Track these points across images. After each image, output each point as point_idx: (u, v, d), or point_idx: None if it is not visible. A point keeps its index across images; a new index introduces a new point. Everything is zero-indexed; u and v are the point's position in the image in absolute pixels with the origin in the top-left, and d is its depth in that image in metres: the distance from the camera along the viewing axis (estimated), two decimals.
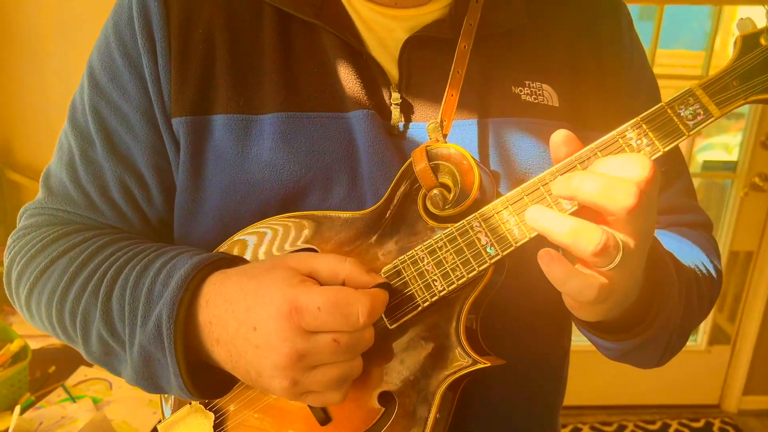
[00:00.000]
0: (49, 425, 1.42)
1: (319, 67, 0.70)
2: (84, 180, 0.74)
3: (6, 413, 1.45)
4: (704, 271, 0.76)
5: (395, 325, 0.63)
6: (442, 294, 0.61)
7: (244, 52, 0.70)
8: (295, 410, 0.67)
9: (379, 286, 0.60)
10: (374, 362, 0.63)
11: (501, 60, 0.73)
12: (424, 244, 0.62)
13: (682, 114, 0.57)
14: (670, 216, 0.82)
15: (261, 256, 0.68)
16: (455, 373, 0.62)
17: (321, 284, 0.60)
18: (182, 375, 0.61)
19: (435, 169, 0.64)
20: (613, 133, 0.57)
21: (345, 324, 0.56)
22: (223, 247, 0.70)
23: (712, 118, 0.57)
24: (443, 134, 0.68)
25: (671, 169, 0.82)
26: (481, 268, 0.60)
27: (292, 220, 0.68)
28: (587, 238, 0.51)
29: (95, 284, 0.66)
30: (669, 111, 0.57)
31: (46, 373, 1.62)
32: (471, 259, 0.60)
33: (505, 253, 0.59)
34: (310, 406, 0.66)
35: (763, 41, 0.57)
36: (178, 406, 0.75)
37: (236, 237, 0.70)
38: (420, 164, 0.64)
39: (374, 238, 0.65)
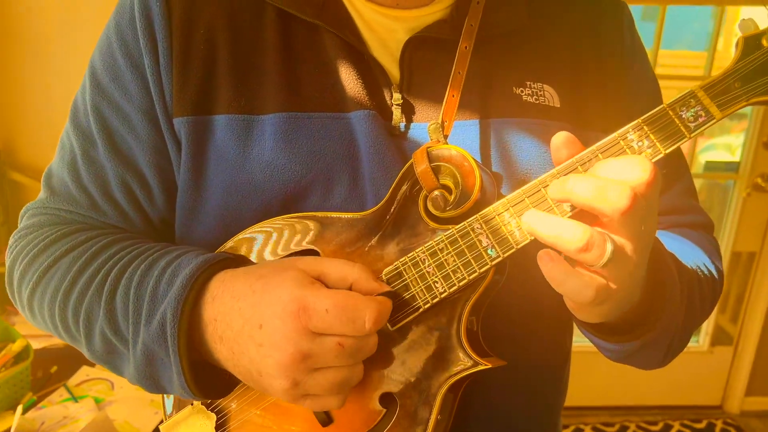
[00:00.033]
0: (51, 425, 1.42)
1: (321, 68, 0.70)
2: (86, 180, 0.74)
3: (8, 413, 1.45)
4: (706, 272, 0.76)
5: (396, 327, 0.63)
6: (443, 296, 0.61)
7: (246, 52, 0.70)
8: (297, 411, 0.67)
9: (385, 294, 0.61)
10: (376, 363, 0.63)
11: (502, 61, 0.73)
12: (425, 245, 0.62)
13: (683, 116, 0.56)
14: (671, 217, 0.82)
15: (262, 256, 0.68)
16: (456, 374, 0.62)
17: (329, 287, 0.60)
18: (185, 374, 0.61)
19: (436, 171, 0.64)
20: (615, 134, 0.57)
21: (351, 328, 0.56)
22: (224, 248, 0.70)
23: (714, 120, 0.57)
24: (444, 135, 0.68)
25: (672, 170, 0.82)
26: (482, 270, 0.60)
27: (293, 220, 0.68)
28: (570, 235, 0.51)
29: (99, 283, 0.67)
30: (670, 113, 0.57)
31: (48, 372, 1.62)
32: (472, 261, 0.60)
33: (506, 254, 0.59)
34: None
35: (765, 42, 0.57)
36: (179, 406, 0.75)
37: (238, 237, 0.70)
38: (421, 166, 0.64)
39: (375, 239, 0.65)
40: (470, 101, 0.71)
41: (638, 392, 2.96)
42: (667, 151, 0.56)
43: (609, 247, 0.51)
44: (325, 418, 0.65)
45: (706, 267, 0.77)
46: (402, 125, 0.71)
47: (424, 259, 0.62)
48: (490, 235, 0.59)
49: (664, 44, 2.56)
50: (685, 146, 0.58)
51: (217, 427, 0.71)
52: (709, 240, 0.83)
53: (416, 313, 0.62)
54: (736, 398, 2.98)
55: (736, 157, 2.81)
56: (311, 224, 0.67)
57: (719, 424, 2.90)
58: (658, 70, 2.57)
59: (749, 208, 2.73)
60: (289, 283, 0.58)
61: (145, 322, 0.63)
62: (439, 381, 0.62)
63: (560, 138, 0.57)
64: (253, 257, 0.69)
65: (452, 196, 0.63)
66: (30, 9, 2.08)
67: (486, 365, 0.61)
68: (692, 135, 0.57)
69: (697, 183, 2.89)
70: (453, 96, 0.69)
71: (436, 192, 0.63)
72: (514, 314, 0.72)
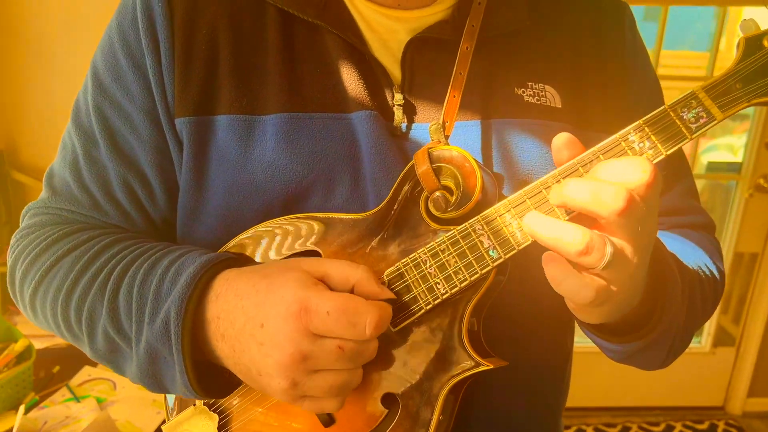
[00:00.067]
0: (53, 425, 1.42)
1: (322, 68, 0.71)
2: (88, 180, 0.74)
3: (10, 413, 1.45)
4: (707, 273, 0.76)
5: (398, 328, 0.63)
6: (444, 297, 0.62)
7: (248, 52, 0.70)
8: (300, 411, 0.67)
9: (387, 300, 0.61)
10: (377, 364, 0.63)
11: (503, 61, 0.73)
12: (427, 246, 0.62)
13: (684, 117, 0.56)
14: (672, 217, 0.82)
15: (264, 256, 0.68)
16: (458, 375, 0.62)
17: (331, 289, 0.60)
18: (188, 373, 0.62)
19: (437, 172, 0.64)
20: (616, 136, 0.57)
21: (352, 332, 0.56)
22: (227, 247, 0.71)
23: (715, 121, 0.57)
24: (445, 135, 0.68)
25: (673, 170, 0.82)
26: (483, 271, 0.60)
27: (295, 221, 0.68)
28: (570, 238, 0.52)
29: (102, 282, 0.67)
30: (672, 114, 0.56)
31: (51, 372, 1.62)
32: (474, 262, 0.60)
33: (507, 256, 0.59)
34: None
35: (766, 43, 0.57)
36: (182, 407, 0.75)
37: (239, 237, 0.70)
38: (422, 167, 0.64)
39: (377, 240, 0.65)
40: (471, 102, 0.71)
41: (640, 393, 2.96)
42: (669, 152, 0.56)
43: (609, 250, 0.51)
44: (328, 419, 0.65)
45: (708, 267, 0.77)
46: (403, 126, 0.71)
47: (425, 260, 0.62)
48: (491, 236, 0.59)
49: (667, 45, 2.56)
50: (687, 147, 0.58)
51: (219, 428, 0.71)
52: (711, 240, 0.83)
53: (418, 314, 0.62)
54: (738, 399, 2.98)
55: (738, 158, 2.81)
56: (313, 225, 0.67)
57: (721, 425, 2.89)
58: (661, 71, 2.58)
59: (751, 208, 2.73)
60: (292, 284, 0.58)
61: (148, 321, 0.63)
62: (440, 382, 0.62)
63: (561, 139, 0.57)
64: (255, 257, 0.69)
65: (453, 197, 0.63)
66: (32, 9, 2.08)
67: (488, 366, 0.61)
68: (693, 136, 0.56)
69: (700, 184, 2.91)
70: (454, 96, 0.69)
71: (437, 193, 0.63)
72: (515, 314, 0.72)
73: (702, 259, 0.77)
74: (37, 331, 1.72)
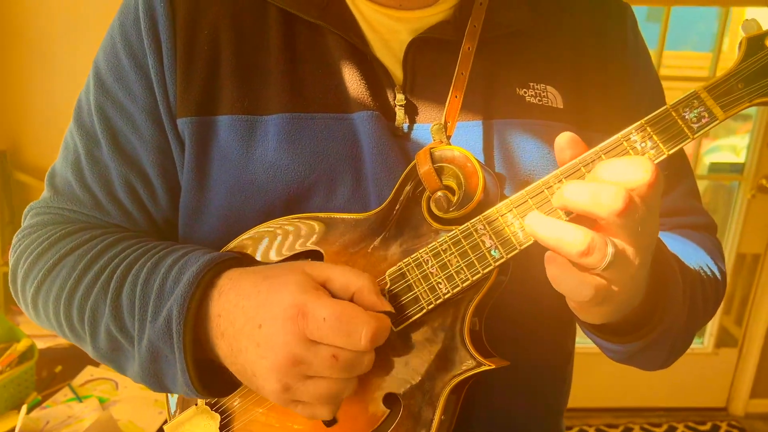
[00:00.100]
0: (55, 424, 1.43)
1: (324, 68, 0.71)
2: (89, 179, 0.74)
3: (13, 412, 1.46)
4: (709, 273, 0.76)
5: (400, 328, 0.63)
6: (446, 297, 0.62)
7: (249, 53, 0.71)
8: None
9: (385, 313, 0.60)
10: (379, 364, 0.63)
11: (505, 62, 0.73)
12: (429, 246, 0.62)
13: (686, 117, 0.56)
14: (674, 218, 0.82)
15: (266, 257, 0.68)
16: (460, 375, 0.62)
17: (333, 294, 0.60)
18: (189, 371, 0.62)
19: (439, 172, 0.64)
20: (618, 135, 0.57)
21: (347, 341, 0.56)
22: (229, 247, 0.71)
23: (717, 121, 0.56)
24: (447, 135, 0.68)
25: (675, 171, 0.82)
26: (485, 271, 0.60)
27: (296, 221, 0.68)
28: (571, 239, 0.51)
29: (105, 280, 0.67)
30: (673, 114, 0.56)
31: (53, 372, 1.62)
32: (475, 261, 0.60)
33: (509, 256, 0.59)
34: None
35: None
36: (184, 406, 0.75)
37: (241, 238, 0.70)
38: (424, 167, 0.64)
39: (378, 240, 0.65)
40: (473, 102, 0.71)
41: (642, 394, 2.96)
42: (671, 152, 0.56)
43: (610, 251, 0.51)
44: (329, 419, 0.65)
45: (709, 268, 0.77)
46: (405, 126, 0.71)
47: (427, 260, 0.62)
48: (493, 236, 0.59)
49: (669, 45, 2.56)
50: (689, 147, 0.58)
51: (221, 427, 0.71)
52: (712, 241, 0.83)
53: (420, 314, 0.62)
54: (740, 400, 2.98)
55: (741, 159, 2.81)
56: (314, 225, 0.67)
57: (724, 426, 2.89)
58: (663, 71, 2.57)
59: (754, 209, 2.72)
60: (292, 287, 0.58)
61: (151, 319, 0.63)
62: (442, 381, 0.62)
63: (564, 138, 0.57)
64: (257, 257, 0.69)
65: (455, 197, 0.63)
66: (34, 10, 2.09)
67: (489, 366, 0.61)
68: (696, 136, 0.56)
69: (702, 184, 2.91)
70: (456, 97, 0.69)
71: (439, 193, 0.63)
72: (515, 315, 0.72)
73: (703, 260, 0.77)
74: (39, 330, 1.72)
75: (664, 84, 0.84)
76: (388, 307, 0.60)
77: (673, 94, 0.60)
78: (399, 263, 0.63)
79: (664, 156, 0.56)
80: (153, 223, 0.77)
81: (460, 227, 0.61)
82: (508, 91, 0.72)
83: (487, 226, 0.60)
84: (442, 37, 0.71)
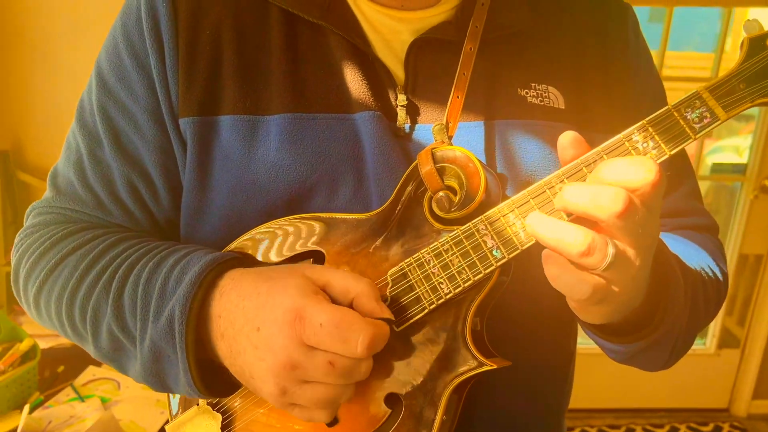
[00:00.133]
0: (57, 424, 1.43)
1: (326, 69, 0.71)
2: (92, 179, 0.74)
3: (15, 412, 1.46)
4: (710, 274, 0.76)
5: (402, 328, 0.63)
6: (448, 297, 0.62)
7: (251, 53, 0.71)
8: None
9: (385, 320, 0.60)
10: (381, 364, 0.63)
11: (507, 62, 0.73)
12: (430, 246, 0.62)
13: (688, 117, 0.56)
14: (675, 219, 0.82)
15: (268, 257, 0.68)
16: (461, 375, 0.62)
17: (333, 299, 0.60)
18: (191, 371, 0.62)
19: (441, 172, 0.64)
20: (620, 135, 0.57)
21: (343, 348, 0.56)
22: (231, 248, 0.71)
23: (719, 121, 0.57)
24: (449, 136, 0.68)
25: (677, 172, 0.82)
26: (487, 271, 0.60)
27: (298, 221, 0.68)
28: (572, 239, 0.52)
29: (107, 280, 0.67)
30: (675, 114, 0.57)
31: (55, 372, 1.63)
32: (477, 261, 0.60)
33: (511, 255, 0.59)
34: None
35: None
36: (185, 406, 0.75)
37: (243, 238, 0.70)
38: (426, 167, 0.64)
39: (380, 240, 0.65)
40: (475, 103, 0.71)
41: (644, 395, 2.95)
42: (673, 152, 0.56)
43: (611, 251, 0.51)
44: (326, 422, 0.65)
45: (711, 269, 0.77)
46: (407, 126, 0.71)
47: (429, 260, 0.62)
48: (494, 236, 0.59)
49: (672, 46, 2.55)
50: (692, 148, 0.58)
51: (222, 428, 0.71)
52: (714, 242, 0.83)
53: (421, 314, 0.63)
54: (743, 401, 2.97)
55: (743, 159, 2.80)
56: (316, 225, 0.67)
57: (726, 427, 2.89)
58: (666, 72, 2.57)
59: (756, 210, 2.72)
60: (292, 290, 0.58)
61: (153, 319, 0.63)
62: (444, 382, 0.62)
63: (567, 137, 0.57)
64: (258, 258, 0.69)
65: (457, 197, 0.63)
66: (37, 10, 2.09)
67: (491, 366, 0.61)
68: (697, 136, 0.57)
69: (704, 185, 2.90)
70: (458, 97, 0.69)
71: (440, 193, 0.63)
72: (516, 315, 0.72)
73: (705, 261, 0.77)
74: (42, 330, 1.73)
75: (667, 85, 0.84)
76: (387, 314, 0.60)
77: (675, 94, 0.60)
78: (401, 263, 0.63)
79: (666, 156, 0.56)
80: (155, 223, 0.77)
81: (462, 227, 0.61)
82: (510, 91, 0.72)
83: (488, 226, 0.60)
84: (443, 38, 0.71)
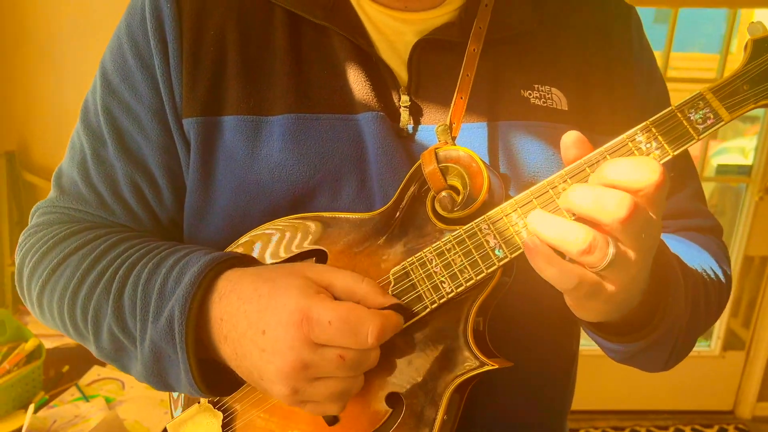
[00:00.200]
0: (62, 424, 1.44)
1: (329, 70, 0.71)
2: (95, 179, 0.75)
3: (20, 412, 1.46)
4: (712, 276, 0.76)
5: (403, 327, 0.63)
6: (450, 296, 0.62)
7: (255, 53, 0.71)
8: (303, 410, 0.67)
9: (393, 307, 0.61)
10: (382, 363, 0.63)
11: (510, 63, 0.73)
12: (433, 246, 0.62)
13: (692, 118, 0.56)
14: (678, 220, 0.82)
15: (271, 255, 0.69)
16: (463, 374, 0.62)
17: (336, 298, 0.60)
18: (192, 371, 0.62)
19: (444, 171, 0.64)
20: (623, 136, 0.57)
21: (353, 342, 0.56)
22: (233, 247, 0.71)
23: (722, 122, 0.57)
24: (452, 137, 0.68)
25: (680, 173, 0.82)
26: (489, 270, 0.60)
27: (301, 221, 0.68)
28: (573, 237, 0.52)
29: (107, 281, 0.67)
30: (679, 115, 0.57)
31: (60, 372, 1.63)
32: (479, 261, 0.60)
33: (513, 255, 0.59)
34: None
35: None
36: (188, 404, 0.76)
37: (246, 237, 0.70)
38: (429, 166, 0.64)
39: (383, 239, 0.65)
40: (478, 104, 0.71)
41: (649, 396, 2.95)
42: (676, 152, 0.56)
43: (611, 251, 0.52)
44: (331, 418, 0.65)
45: (713, 270, 0.77)
46: (410, 127, 0.71)
47: (431, 259, 0.62)
48: (497, 236, 0.60)
49: (677, 47, 2.55)
50: (697, 149, 0.59)
51: (223, 426, 0.71)
52: (717, 244, 0.83)
53: (423, 313, 0.63)
54: (748, 403, 2.96)
55: (749, 161, 2.79)
56: (319, 224, 0.67)
57: (731, 430, 2.88)
58: (671, 73, 2.57)
59: (761, 212, 2.71)
60: (294, 292, 0.58)
61: (152, 320, 0.63)
62: (445, 381, 0.62)
63: (571, 137, 0.57)
64: (261, 257, 0.69)
65: (460, 197, 0.63)
66: (43, 11, 2.10)
67: (492, 365, 0.61)
68: (701, 137, 0.56)
69: (709, 186, 2.89)
70: (461, 98, 0.69)
71: (443, 193, 0.64)
72: (517, 315, 0.71)
73: (707, 262, 0.77)
74: (47, 330, 1.73)
75: (672, 86, 0.84)
76: (394, 300, 0.61)
77: (680, 95, 0.59)
78: (403, 262, 0.63)
79: (669, 157, 0.56)
80: (158, 223, 0.77)
81: (465, 227, 0.61)
82: (513, 92, 0.72)
83: (491, 225, 0.60)
84: (447, 39, 0.71)
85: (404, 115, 0.71)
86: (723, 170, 2.86)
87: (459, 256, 0.61)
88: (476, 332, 0.63)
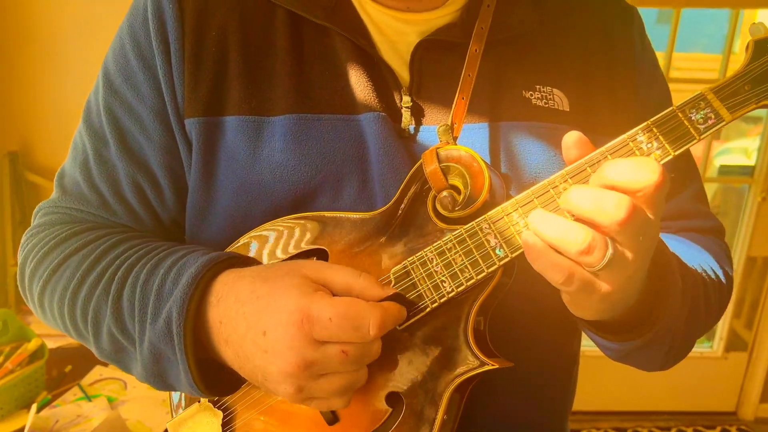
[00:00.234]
0: (64, 423, 1.44)
1: (331, 70, 0.71)
2: (97, 179, 0.75)
3: (23, 411, 1.47)
4: (712, 276, 0.76)
5: (404, 326, 0.63)
6: (450, 295, 0.62)
7: (257, 54, 0.71)
8: (303, 410, 0.67)
9: (392, 297, 0.61)
10: (382, 363, 0.63)
11: (512, 64, 0.73)
12: (434, 245, 0.62)
13: (693, 118, 0.56)
14: (679, 221, 0.82)
15: (271, 255, 0.69)
16: (463, 374, 0.62)
17: (334, 296, 0.60)
18: (192, 372, 0.62)
19: (445, 171, 0.64)
20: (624, 136, 0.57)
21: (355, 336, 0.57)
22: (234, 247, 0.71)
23: (723, 123, 0.57)
24: (453, 137, 0.68)
25: (681, 174, 0.82)
26: (489, 270, 0.60)
27: (302, 220, 0.68)
28: (572, 237, 0.52)
29: (106, 282, 0.67)
30: (680, 115, 0.57)
31: (63, 372, 1.64)
32: (480, 260, 0.60)
33: (514, 255, 0.59)
34: None
35: None
36: (188, 404, 0.76)
37: (247, 236, 0.70)
38: (430, 166, 0.64)
39: (384, 239, 0.65)
40: (479, 104, 0.71)
41: (650, 397, 2.94)
42: (677, 152, 0.56)
43: (609, 251, 0.52)
44: (332, 417, 0.66)
45: (713, 271, 0.77)
46: (411, 128, 0.71)
47: (431, 259, 0.62)
48: (498, 235, 0.60)
49: (679, 47, 2.55)
50: (700, 150, 0.59)
51: (223, 425, 0.71)
52: (719, 245, 0.82)
53: (423, 312, 0.63)
54: (750, 404, 2.96)
55: (752, 161, 2.79)
56: (320, 224, 0.67)
57: (733, 431, 2.87)
58: (673, 74, 2.56)
59: (764, 212, 2.70)
60: (293, 291, 0.58)
61: (150, 321, 0.64)
62: (445, 381, 0.62)
63: (572, 137, 0.57)
64: (262, 256, 0.69)
65: (461, 197, 0.63)
66: (45, 12, 2.10)
67: (493, 365, 0.61)
68: (702, 137, 0.57)
69: (712, 187, 2.89)
70: (462, 99, 0.69)
71: (444, 192, 0.64)
72: (518, 315, 0.71)
73: (708, 263, 0.77)
74: (49, 330, 1.72)
75: (674, 86, 0.84)
76: (392, 291, 0.61)
77: (682, 96, 0.60)
78: (403, 261, 0.64)
79: (670, 157, 0.56)
80: (160, 223, 0.77)
81: (465, 226, 0.61)
82: (515, 93, 0.72)
83: (492, 225, 0.60)
84: (449, 40, 0.71)
85: (406, 115, 0.71)
86: (726, 171, 2.86)
87: (459, 255, 0.61)
88: (477, 332, 0.63)
